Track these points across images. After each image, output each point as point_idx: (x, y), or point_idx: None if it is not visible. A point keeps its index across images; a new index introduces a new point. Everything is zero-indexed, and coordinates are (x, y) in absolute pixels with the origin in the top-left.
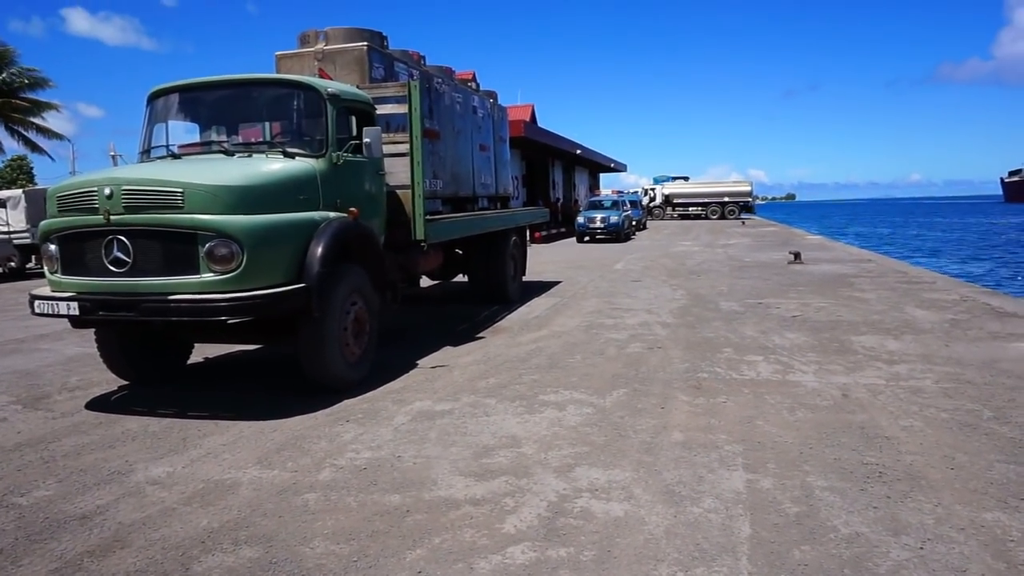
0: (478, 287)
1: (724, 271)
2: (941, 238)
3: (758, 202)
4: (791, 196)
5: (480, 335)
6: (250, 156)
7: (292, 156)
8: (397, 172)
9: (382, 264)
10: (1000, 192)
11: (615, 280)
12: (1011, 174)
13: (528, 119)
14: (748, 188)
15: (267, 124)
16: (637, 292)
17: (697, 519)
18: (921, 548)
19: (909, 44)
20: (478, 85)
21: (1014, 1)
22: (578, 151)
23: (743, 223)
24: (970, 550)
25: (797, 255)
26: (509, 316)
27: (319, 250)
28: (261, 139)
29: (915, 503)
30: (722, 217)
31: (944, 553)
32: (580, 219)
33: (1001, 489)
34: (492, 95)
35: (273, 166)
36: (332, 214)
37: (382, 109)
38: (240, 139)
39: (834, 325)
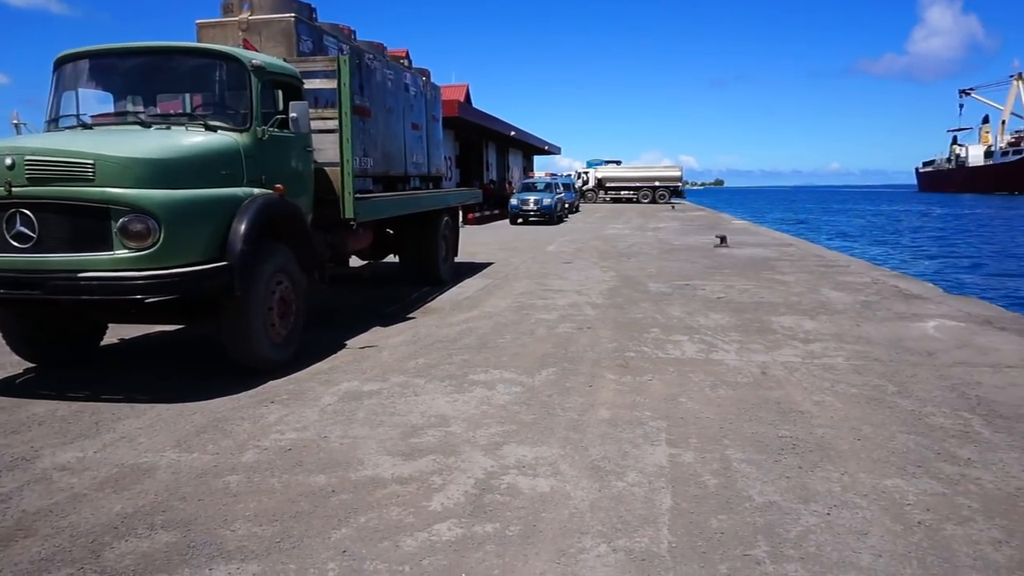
0: (409, 268)
1: (653, 254)
2: (858, 224)
3: (688, 187)
4: (719, 182)
5: (411, 316)
6: (168, 128)
7: (214, 129)
8: (326, 149)
9: (309, 243)
10: (915, 182)
11: (547, 262)
12: (925, 164)
13: (462, 99)
14: (678, 173)
15: (187, 96)
16: (568, 274)
17: (621, 493)
18: (828, 514)
19: (831, 38)
20: (411, 63)
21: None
22: (512, 133)
23: (673, 207)
24: (872, 514)
25: (723, 239)
26: (440, 297)
27: (242, 227)
28: (181, 111)
29: (824, 472)
30: (653, 201)
31: (848, 518)
32: (513, 201)
33: (901, 458)
34: (425, 73)
35: (193, 139)
36: (257, 190)
37: (310, 84)
38: (158, 111)
39: (756, 306)
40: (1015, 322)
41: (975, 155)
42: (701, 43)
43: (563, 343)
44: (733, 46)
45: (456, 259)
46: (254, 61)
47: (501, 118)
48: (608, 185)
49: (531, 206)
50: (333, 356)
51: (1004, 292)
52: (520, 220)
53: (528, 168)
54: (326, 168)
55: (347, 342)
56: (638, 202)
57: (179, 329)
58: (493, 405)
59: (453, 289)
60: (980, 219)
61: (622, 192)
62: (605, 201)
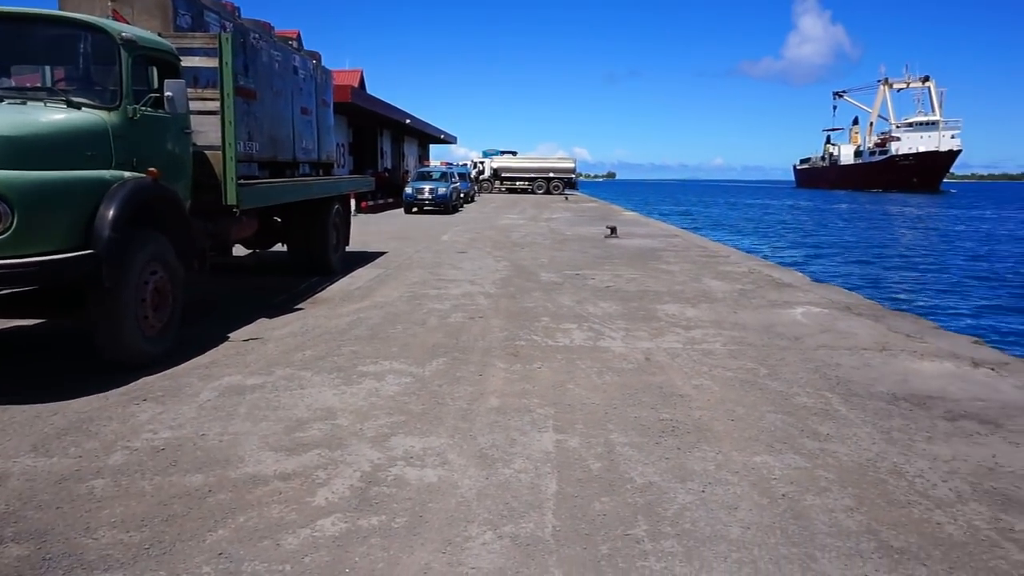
0: (298, 257)
1: (546, 244)
2: (739, 216)
3: (581, 179)
4: (611, 175)
5: (299, 306)
6: (24, 103)
7: (78, 106)
8: (207, 132)
9: (187, 230)
10: (793, 178)
11: (441, 251)
12: (802, 162)
13: (356, 85)
14: (572, 165)
15: (47, 69)
16: (462, 263)
17: (508, 480)
18: (703, 491)
19: (715, 40)
20: (302, 45)
21: (800, 8)
22: (408, 120)
23: (566, 198)
24: (742, 490)
25: (613, 230)
26: (330, 287)
27: (110, 213)
28: (39, 85)
29: (701, 452)
30: (547, 192)
31: (721, 494)
32: (408, 190)
33: (769, 435)
34: (315, 56)
35: (53, 116)
36: (127, 174)
37: (188, 61)
38: (13, 83)
39: (642, 295)
40: (870, 308)
41: (846, 154)
42: (596, 38)
43: (455, 333)
44: (626, 43)
45: (348, 248)
46: (124, 34)
47: (397, 105)
48: (504, 175)
49: (426, 195)
50: (214, 349)
51: (858, 276)
52: (415, 209)
53: (424, 157)
54: (207, 152)
55: (230, 335)
56: (533, 193)
57: (40, 323)
58: (382, 396)
59: (344, 279)
60: (843, 214)
61: (517, 183)
62: (501, 191)
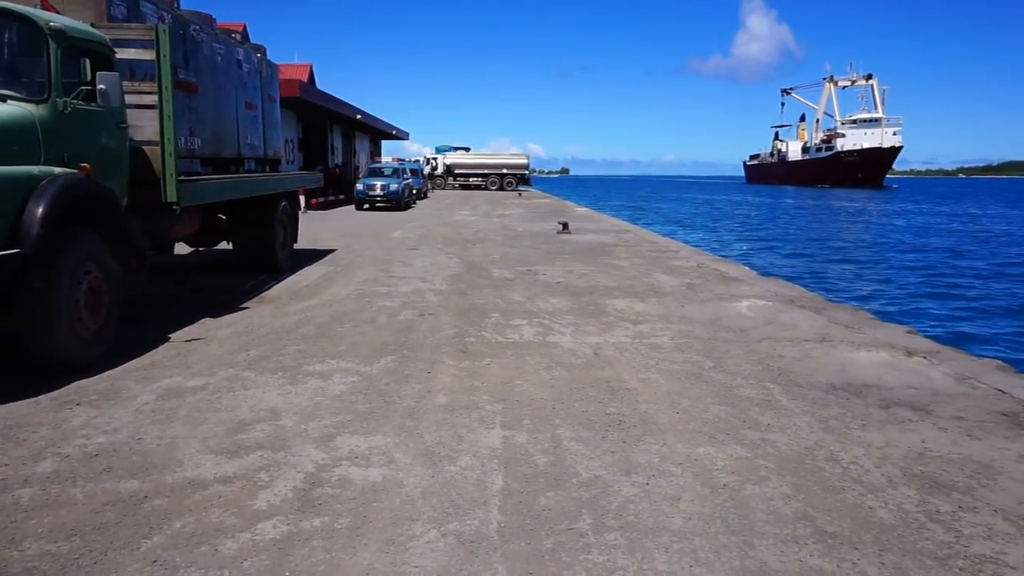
0: (244, 255)
1: (498, 240)
2: (689, 211)
3: (535, 175)
4: (565, 170)
5: (244, 306)
6: None
7: (3, 99)
8: (144, 126)
9: (124, 228)
10: (743, 174)
11: (392, 248)
12: (751, 158)
13: (305, 80)
14: (525, 161)
15: None
16: (413, 260)
17: (454, 477)
18: (647, 484)
19: (665, 38)
20: (248, 38)
21: (747, 8)
22: (359, 116)
23: (520, 194)
24: (685, 481)
25: (565, 225)
26: (278, 285)
27: (39, 210)
28: None
29: (646, 445)
30: (501, 188)
31: (665, 486)
32: (359, 186)
33: (712, 427)
34: (260, 49)
35: None
36: (58, 169)
37: (124, 54)
38: None
39: (592, 290)
40: (812, 301)
41: (794, 150)
42: (549, 35)
43: (404, 330)
44: (578, 39)
45: (296, 246)
46: (52, 24)
47: (348, 101)
48: (457, 171)
49: (378, 191)
50: (154, 351)
51: (802, 269)
52: (366, 206)
53: (375, 153)
54: (145, 147)
55: (171, 335)
56: (486, 189)
57: None
58: (328, 396)
59: (292, 277)
60: (789, 209)
61: (471, 179)
62: (454, 187)
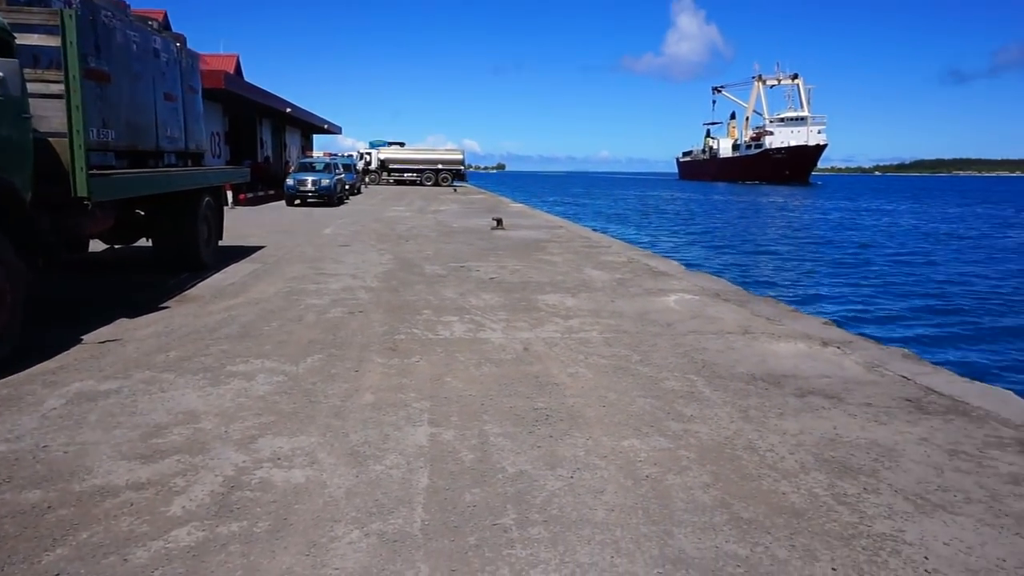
0: (164, 252)
1: (432, 236)
2: (622, 207)
3: (471, 170)
4: (501, 166)
5: (164, 305)
6: None
7: None
8: (51, 117)
9: (28, 224)
10: (676, 170)
11: (323, 245)
12: (684, 155)
13: (232, 71)
14: (461, 157)
15: None
16: (345, 257)
17: (379, 476)
18: (572, 477)
19: (599, 36)
20: (169, 27)
21: (677, 7)
22: (288, 109)
23: (455, 190)
24: (609, 473)
25: (499, 221)
26: (201, 284)
27: None
28: None
29: (572, 439)
30: (436, 184)
31: (589, 479)
32: (290, 181)
33: (637, 419)
34: (180, 39)
35: None
36: None
37: (26, 39)
38: None
39: (524, 286)
40: (736, 294)
41: (725, 147)
42: (484, 30)
43: (332, 328)
44: (513, 35)
45: (222, 243)
46: None
47: (277, 94)
48: (392, 167)
49: (309, 187)
50: (64, 353)
51: (729, 263)
52: (297, 201)
53: (307, 147)
54: (52, 139)
55: (84, 337)
56: (422, 184)
57: None
58: (251, 397)
59: (217, 275)
60: (719, 205)
61: (406, 174)
62: (389, 183)
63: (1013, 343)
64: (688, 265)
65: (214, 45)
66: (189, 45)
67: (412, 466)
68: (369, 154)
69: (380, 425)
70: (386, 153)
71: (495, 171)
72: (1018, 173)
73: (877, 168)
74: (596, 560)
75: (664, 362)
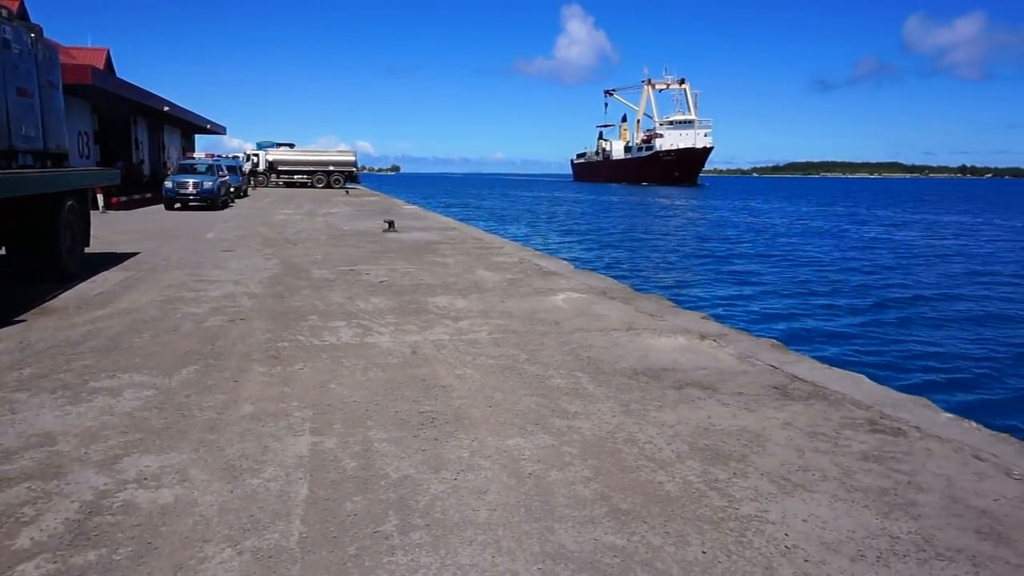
0: (21, 261)
1: (322, 239)
2: (516, 208)
3: (364, 172)
4: (396, 168)
5: (20, 319)
6: None
7: None
8: None
9: None
10: (571, 172)
11: (204, 251)
12: (578, 156)
13: (101, 66)
14: (353, 158)
15: None
16: (227, 263)
17: (255, 490)
18: (455, 479)
19: (491, 38)
20: (27, 17)
21: (567, 13)
22: (166, 108)
23: (347, 192)
24: (493, 473)
25: (391, 224)
26: (64, 294)
27: None
28: None
29: (457, 441)
30: (328, 186)
31: (473, 480)
32: (168, 184)
33: (523, 418)
34: (34, 29)
35: None
36: None
37: None
38: None
39: (415, 288)
40: (622, 292)
41: (618, 149)
42: (377, 29)
43: (211, 338)
44: (407, 37)
45: (90, 250)
46: None
47: (155, 92)
48: (281, 168)
49: (190, 189)
50: None
51: (617, 261)
52: (178, 205)
53: (188, 148)
54: None
55: None
56: (312, 187)
57: None
58: (116, 414)
59: (82, 284)
60: (611, 205)
61: (296, 176)
62: (278, 185)
63: (862, 328)
64: (578, 264)
65: (80, 37)
66: (54, 39)
67: (291, 477)
68: (256, 155)
69: (259, 436)
70: (274, 154)
71: (390, 173)
72: (876, 175)
73: (755, 170)
74: (477, 561)
75: (551, 360)
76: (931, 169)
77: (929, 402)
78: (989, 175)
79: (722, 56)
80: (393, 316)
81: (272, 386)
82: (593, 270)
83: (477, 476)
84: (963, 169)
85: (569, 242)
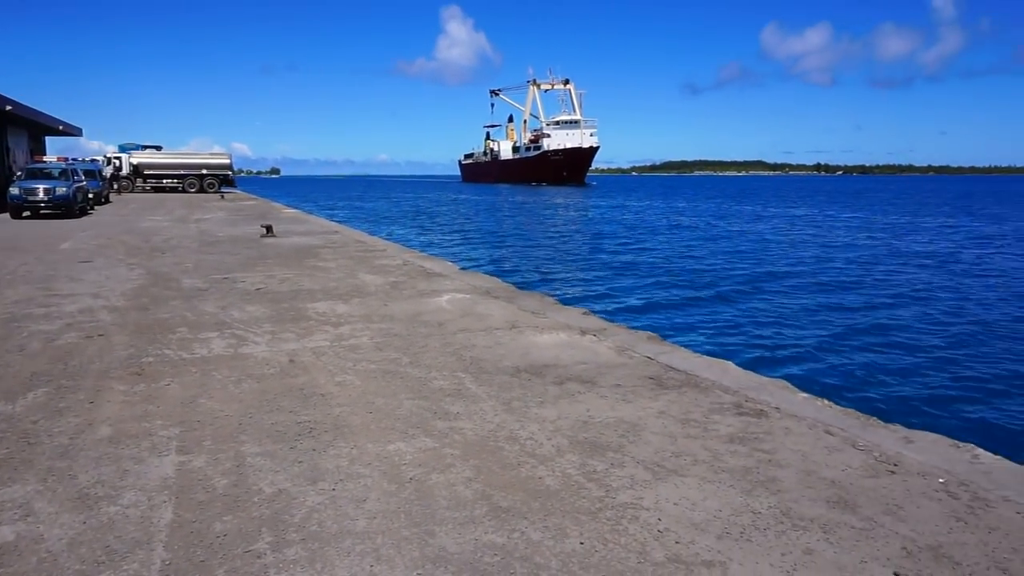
0: None
1: (194, 247)
2: (404, 210)
3: (242, 175)
4: (276, 171)
5: None
6: None
7: None
8: None
9: None
10: (459, 173)
11: (57, 263)
12: (466, 157)
13: None
14: (228, 161)
15: None
16: (85, 275)
17: (112, 519)
18: (333, 490)
19: (371, 39)
20: None
21: (447, 14)
22: (8, 107)
23: (222, 197)
24: (372, 480)
25: (269, 228)
26: None
27: None
28: None
29: (336, 450)
30: (201, 190)
31: (352, 489)
32: (15, 190)
33: (404, 422)
34: None
35: None
36: None
37: None
38: None
39: (294, 295)
40: (506, 291)
41: (506, 150)
42: (248, 27)
43: (64, 356)
44: (281, 35)
45: None
46: None
47: None
48: (148, 172)
49: (40, 196)
50: None
51: (502, 261)
52: (27, 213)
53: (38, 151)
54: None
55: None
56: (184, 191)
57: None
58: None
59: None
60: (497, 205)
61: (165, 180)
62: (145, 190)
63: (729, 316)
64: (464, 265)
65: None
66: None
67: (154, 502)
68: (119, 159)
69: (117, 460)
70: (140, 157)
71: (271, 176)
72: (743, 173)
73: (634, 169)
74: (355, 572)
75: (433, 362)
76: (791, 167)
77: (788, 384)
78: (840, 172)
79: (598, 60)
80: (270, 324)
81: (134, 405)
82: (478, 270)
83: (356, 484)
84: (818, 167)
85: (456, 243)
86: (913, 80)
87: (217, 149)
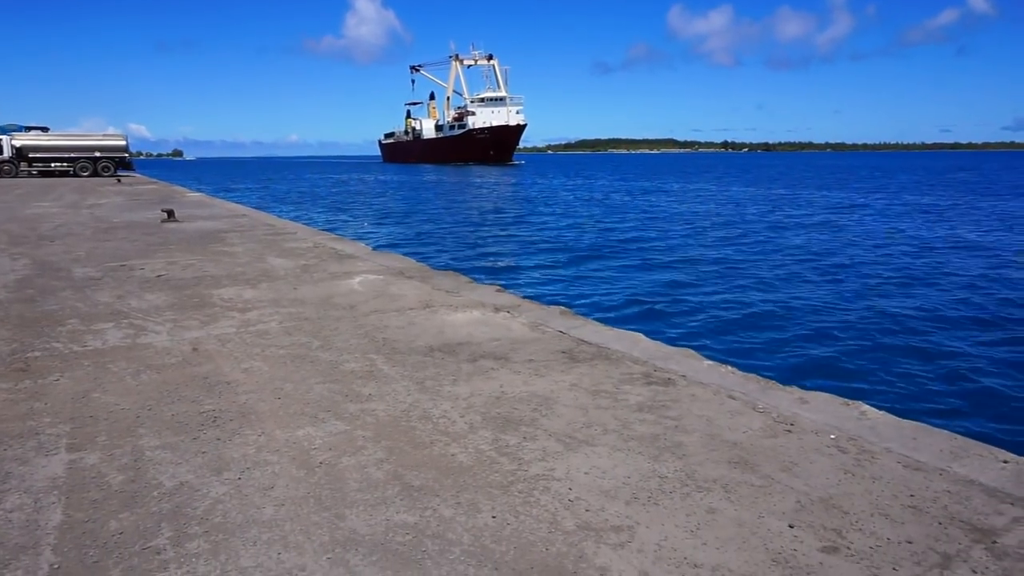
0: None
1: (87, 234)
2: (318, 192)
3: (141, 158)
4: (178, 153)
5: None
6: None
7: None
8: None
9: None
10: (379, 152)
11: None
12: (387, 136)
13: None
14: (123, 143)
15: None
16: None
17: None
18: (239, 479)
19: (274, 16)
20: None
21: None
22: None
23: (119, 180)
24: (280, 467)
25: (171, 213)
26: None
27: None
28: None
29: (242, 438)
30: (95, 174)
31: (259, 477)
32: None
33: (315, 407)
34: None
35: None
36: None
37: None
38: None
39: (198, 281)
40: (420, 271)
41: (428, 128)
42: (140, 2)
43: None
44: (174, 10)
45: None
46: None
47: None
48: (33, 156)
49: None
50: None
51: (417, 242)
52: None
53: None
54: None
55: None
56: (76, 176)
57: None
58: None
59: None
60: (417, 185)
61: (53, 164)
62: (31, 175)
63: (638, 286)
64: (378, 247)
65: None
66: None
67: (41, 503)
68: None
69: (0, 462)
70: (23, 140)
71: (176, 158)
72: (655, 151)
73: (549, 147)
74: (261, 561)
75: (345, 345)
76: (700, 144)
77: (694, 352)
78: (746, 149)
79: (509, 37)
80: (172, 312)
81: (18, 403)
82: (393, 251)
83: (263, 472)
84: (726, 144)
85: (371, 225)
86: (809, 61)
87: (112, 130)
